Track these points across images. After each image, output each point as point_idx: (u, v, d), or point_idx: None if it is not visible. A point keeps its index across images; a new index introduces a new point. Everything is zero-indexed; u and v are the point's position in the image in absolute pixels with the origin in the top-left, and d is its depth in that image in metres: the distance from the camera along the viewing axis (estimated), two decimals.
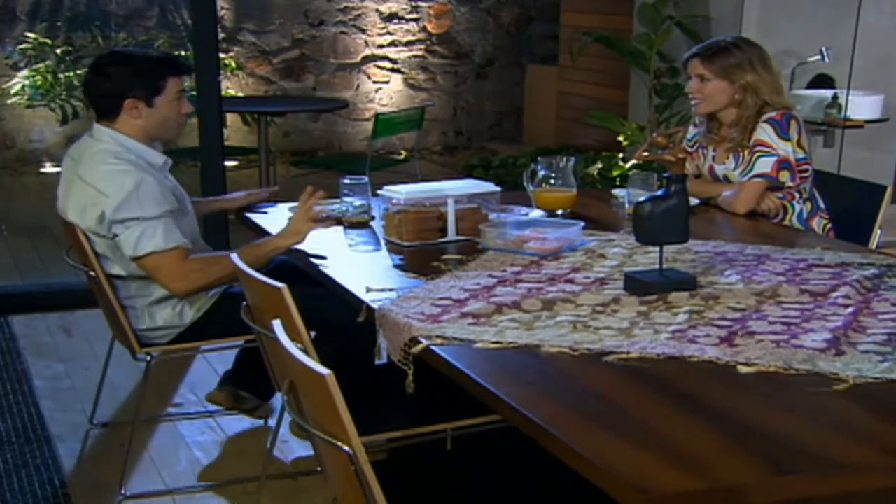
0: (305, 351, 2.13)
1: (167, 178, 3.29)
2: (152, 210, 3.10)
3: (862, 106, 6.01)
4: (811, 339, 2.22)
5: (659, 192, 2.50)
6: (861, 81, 6.37)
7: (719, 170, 3.68)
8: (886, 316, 2.41)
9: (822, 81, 6.37)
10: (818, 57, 6.19)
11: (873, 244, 3.50)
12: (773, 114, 3.54)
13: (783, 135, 3.52)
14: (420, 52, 9.55)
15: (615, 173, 6.63)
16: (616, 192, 3.74)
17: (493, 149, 9.29)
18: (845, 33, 6.50)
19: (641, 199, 2.54)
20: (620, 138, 7.06)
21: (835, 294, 2.56)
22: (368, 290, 2.60)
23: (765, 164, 3.52)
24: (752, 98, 3.56)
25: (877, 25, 6.63)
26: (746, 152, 3.58)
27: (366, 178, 3.32)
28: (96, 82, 3.22)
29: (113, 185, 3.10)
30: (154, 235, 3.10)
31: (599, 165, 6.87)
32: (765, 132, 3.53)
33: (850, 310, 2.44)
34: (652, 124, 6.76)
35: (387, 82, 9.52)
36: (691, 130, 3.82)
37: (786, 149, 3.52)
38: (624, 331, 2.29)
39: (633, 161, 5.11)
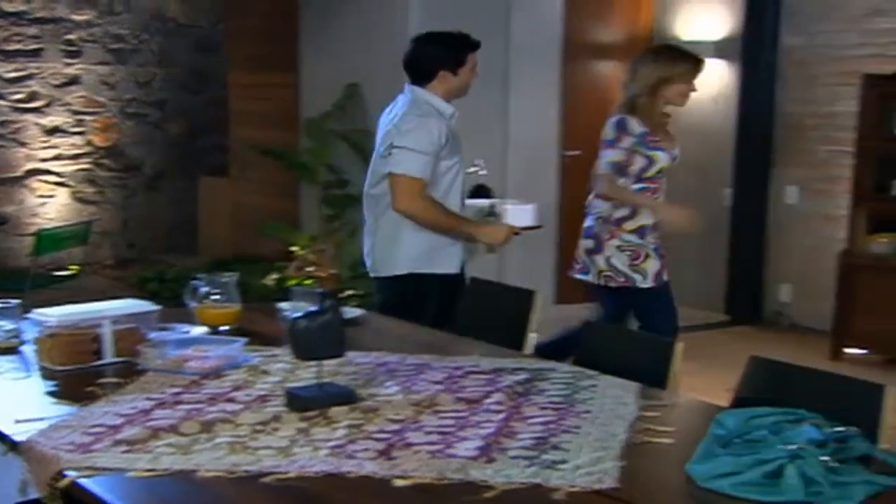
0: None
1: (455, 124, 4.15)
2: (424, 146, 4.00)
3: (517, 214, 6.32)
4: (465, 448, 2.29)
5: (313, 308, 2.52)
6: (516, 191, 6.74)
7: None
8: (535, 420, 2.51)
9: (480, 191, 6.67)
10: (475, 168, 6.49)
11: (527, 348, 3.66)
12: None
13: None
14: (87, 166, 9.28)
15: (291, 283, 6.65)
16: (281, 305, 3.74)
17: (167, 261, 9.10)
18: (499, 146, 6.89)
19: (296, 315, 2.55)
20: (294, 248, 7.11)
21: (488, 401, 2.65)
22: (17, 421, 2.46)
23: None
24: None
25: (527, 140, 7.07)
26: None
27: (14, 302, 3.16)
28: (417, 54, 4.16)
29: (408, 124, 4.05)
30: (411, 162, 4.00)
31: (276, 276, 6.88)
32: None
33: (501, 416, 2.53)
34: (323, 235, 6.85)
35: (52, 196, 9.17)
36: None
37: None
38: (283, 449, 2.27)
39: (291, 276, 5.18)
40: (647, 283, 4.59)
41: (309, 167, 6.83)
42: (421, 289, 4.17)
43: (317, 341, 2.53)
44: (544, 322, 4.08)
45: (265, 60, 8.15)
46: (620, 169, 4.52)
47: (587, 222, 4.71)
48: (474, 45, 4.17)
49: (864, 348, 6.19)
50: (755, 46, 6.98)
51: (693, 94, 7.43)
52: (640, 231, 4.60)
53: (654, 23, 7.65)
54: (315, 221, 7.10)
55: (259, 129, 8.25)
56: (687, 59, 4.57)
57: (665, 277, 4.65)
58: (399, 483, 2.10)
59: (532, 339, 3.75)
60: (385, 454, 2.25)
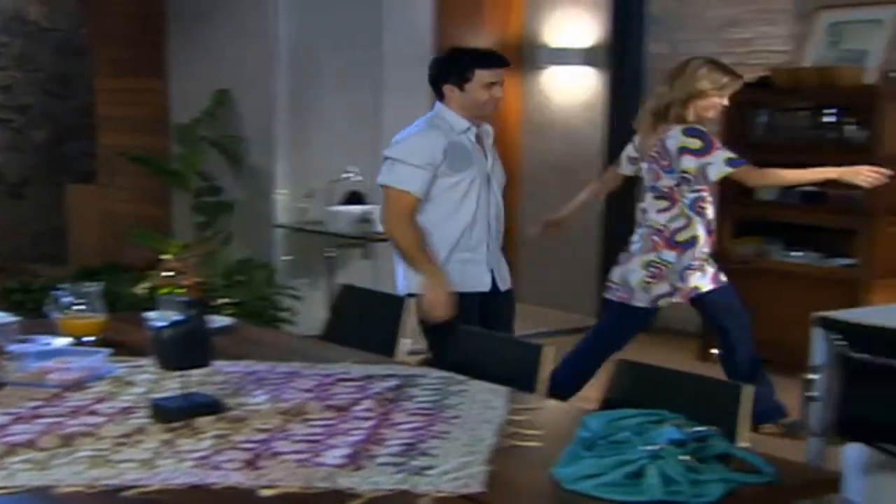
0: None
1: (467, 140, 4.03)
2: (417, 159, 3.93)
3: None
4: (332, 456, 2.27)
5: (178, 317, 2.48)
6: None
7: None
8: (404, 426, 2.51)
9: (355, 198, 6.67)
10: (349, 175, 6.51)
11: (399, 354, 3.66)
12: None
13: None
14: None
15: (163, 292, 6.53)
16: (148, 314, 3.67)
17: (34, 271, 8.85)
18: (372, 153, 6.88)
19: (160, 324, 2.51)
20: (165, 256, 6.97)
21: (357, 408, 2.64)
22: None
23: None
24: None
25: None
26: None
27: None
28: (430, 69, 4.13)
29: (402, 135, 4.08)
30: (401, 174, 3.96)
31: (146, 285, 6.74)
32: None
33: (370, 423, 2.53)
34: (195, 243, 6.74)
35: None
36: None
37: None
38: (146, 462, 2.23)
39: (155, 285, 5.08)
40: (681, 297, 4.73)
41: (180, 174, 6.72)
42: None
43: (181, 351, 2.49)
44: (417, 328, 4.09)
45: (132, 65, 7.98)
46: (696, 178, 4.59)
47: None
48: (482, 61, 4.04)
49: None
50: (621, 54, 7.12)
51: (562, 100, 7.60)
52: (690, 242, 4.65)
53: (523, 30, 7.74)
54: (187, 229, 6.99)
55: (128, 135, 8.08)
56: (728, 74, 4.62)
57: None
58: (265, 493, 2.07)
59: (404, 345, 3.75)
60: (251, 464, 2.22)
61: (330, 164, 6.67)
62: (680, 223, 4.63)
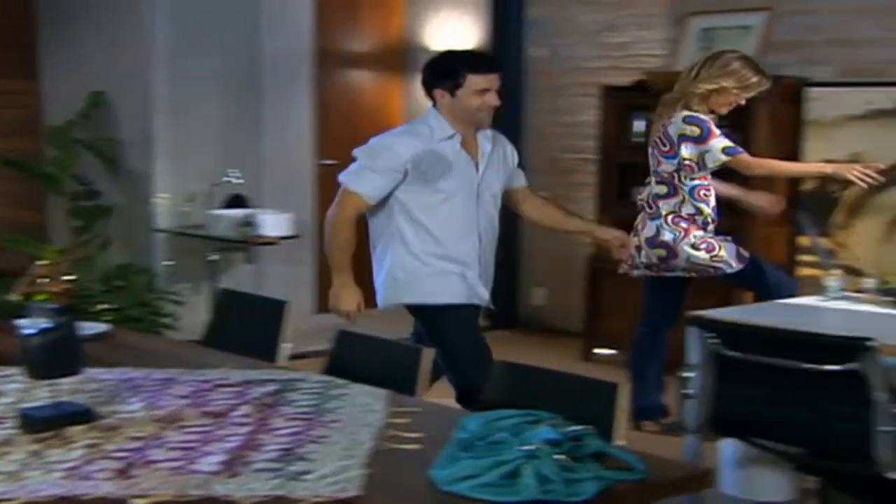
0: None
1: (450, 147, 3.85)
2: (377, 162, 3.84)
3: (274, 224, 6.29)
4: (208, 463, 2.24)
5: (47, 324, 2.42)
6: (272, 201, 6.70)
7: None
8: (282, 431, 2.49)
9: (237, 201, 6.60)
10: (230, 178, 6.45)
11: (280, 359, 3.63)
12: None
13: None
14: None
15: (39, 298, 6.36)
16: (19, 322, 3.56)
17: None
18: (253, 156, 6.84)
19: (28, 332, 2.44)
20: (41, 262, 6.79)
21: (235, 413, 2.61)
22: None
23: None
24: None
25: (281, 150, 7.04)
26: None
27: None
28: (421, 75, 3.97)
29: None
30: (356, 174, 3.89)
31: (19, 291, 6.56)
32: None
33: (247, 428, 2.50)
34: (72, 247, 6.59)
35: None
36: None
37: None
38: (12, 474, 2.17)
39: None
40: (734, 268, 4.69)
41: (53, 177, 6.56)
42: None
43: (50, 359, 2.43)
44: (303, 333, 4.06)
45: (1, 67, 7.77)
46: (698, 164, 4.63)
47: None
48: (474, 66, 3.86)
49: (612, 348, 6.43)
50: (502, 58, 7.15)
51: None
52: (706, 221, 4.72)
53: (404, 32, 7.75)
54: (64, 234, 6.82)
55: None
56: (758, 73, 4.64)
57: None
58: (137, 502, 2.03)
59: (285, 349, 3.72)
60: (124, 473, 2.18)
61: (211, 167, 6.59)
62: (690, 209, 4.69)
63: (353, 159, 3.96)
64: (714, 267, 4.68)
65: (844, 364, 3.12)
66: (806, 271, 5.65)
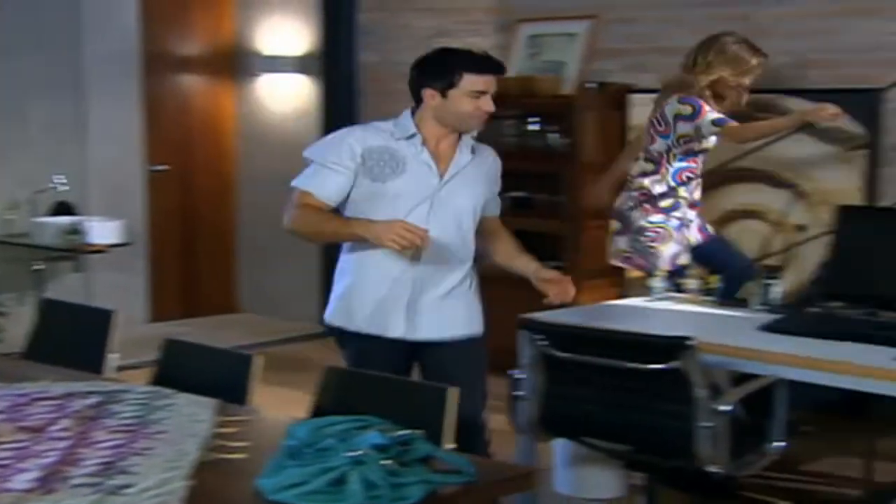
0: None
1: (408, 148, 3.42)
2: (326, 156, 3.42)
3: (103, 231, 6.13)
4: (22, 480, 2.17)
5: None
6: (101, 208, 6.53)
7: None
8: (103, 444, 2.43)
9: (63, 209, 6.41)
10: (54, 185, 6.26)
11: (107, 370, 3.53)
12: None
13: None
14: None
15: None
16: None
17: None
18: (79, 162, 6.66)
19: None
20: None
21: (53, 428, 2.53)
22: None
23: None
24: None
25: (109, 155, 6.87)
26: None
27: None
28: (409, 76, 3.50)
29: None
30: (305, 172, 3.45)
31: None
32: None
33: (66, 443, 2.42)
34: None
35: None
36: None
37: None
38: None
39: None
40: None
41: None
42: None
43: None
44: (134, 342, 3.96)
45: None
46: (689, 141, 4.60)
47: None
48: (472, 65, 3.40)
49: None
50: (334, 63, 7.16)
51: (277, 108, 7.56)
52: (675, 206, 4.67)
53: (235, 36, 7.65)
54: None
55: None
56: (756, 54, 4.61)
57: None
58: None
59: (112, 360, 3.62)
60: None
61: (34, 173, 6.39)
62: (662, 188, 4.67)
63: (304, 163, 3.52)
64: (643, 258, 4.73)
65: (667, 363, 3.20)
66: (634, 273, 5.79)
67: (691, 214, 4.75)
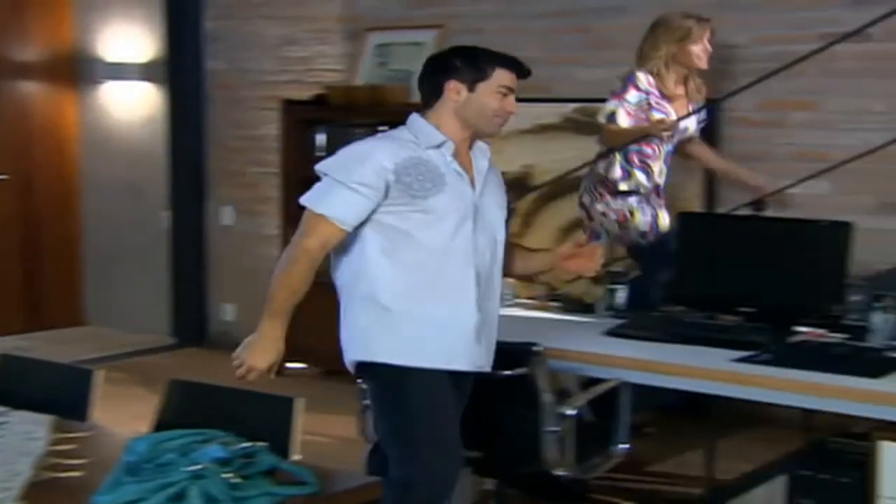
0: None
1: (439, 157, 3.06)
2: (349, 175, 2.95)
3: None
4: None
5: None
6: None
7: None
8: None
9: None
10: None
11: None
12: None
13: None
14: None
15: None
16: None
17: None
18: None
19: None
20: None
21: None
22: None
23: None
24: None
25: None
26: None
27: None
28: (428, 68, 3.18)
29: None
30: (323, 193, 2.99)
31: None
32: None
33: None
34: None
35: None
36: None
37: None
38: None
39: None
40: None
41: None
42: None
43: None
44: None
45: None
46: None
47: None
48: (504, 61, 3.14)
49: (303, 362, 6.43)
50: (180, 70, 7.04)
51: (121, 116, 7.39)
52: (634, 189, 4.53)
53: (76, 42, 7.45)
54: None
55: None
56: (687, 17, 4.53)
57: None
58: None
59: None
60: None
61: None
62: (616, 172, 4.55)
63: (316, 177, 3.07)
64: (622, 237, 4.62)
65: (514, 369, 3.24)
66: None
67: (656, 202, 4.64)
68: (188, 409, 2.78)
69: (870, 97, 4.95)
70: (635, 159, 4.54)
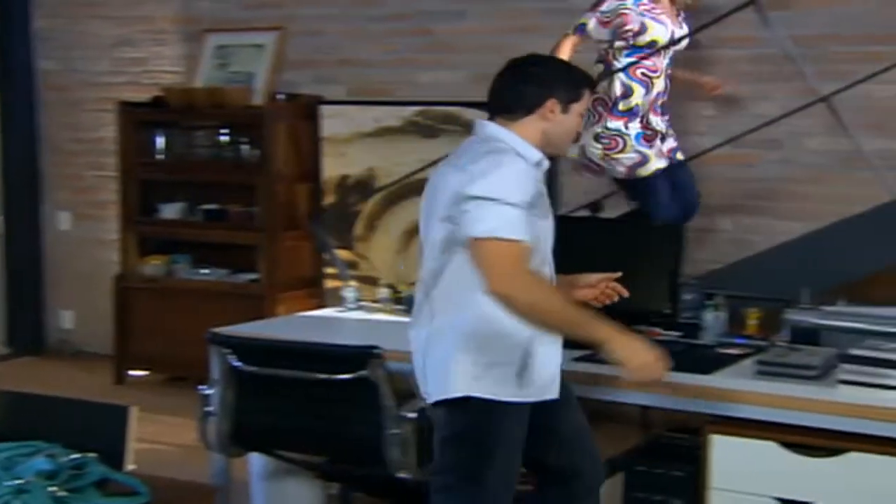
0: None
1: (538, 175, 2.89)
2: (512, 195, 2.73)
3: None
4: None
5: None
6: None
7: None
8: None
9: None
10: None
11: None
12: None
13: None
14: None
15: None
16: None
17: None
18: None
19: None
20: None
21: None
22: None
23: None
24: None
25: None
26: None
27: None
28: (521, 76, 2.92)
29: (481, 163, 2.78)
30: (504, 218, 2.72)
31: None
32: None
33: None
34: None
35: None
36: None
37: None
38: None
39: None
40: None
41: None
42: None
43: None
44: None
45: None
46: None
47: None
48: (589, 82, 3.02)
49: (145, 369, 6.31)
50: (9, 71, 6.82)
51: None
52: (634, 111, 4.43)
53: None
54: None
55: None
56: None
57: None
58: None
59: None
60: None
61: None
62: (618, 90, 4.48)
63: (467, 201, 2.78)
64: (600, 166, 4.55)
65: (355, 372, 3.23)
66: (330, 283, 5.83)
67: (659, 124, 4.59)
68: (16, 420, 2.69)
69: None
70: (637, 73, 4.51)
